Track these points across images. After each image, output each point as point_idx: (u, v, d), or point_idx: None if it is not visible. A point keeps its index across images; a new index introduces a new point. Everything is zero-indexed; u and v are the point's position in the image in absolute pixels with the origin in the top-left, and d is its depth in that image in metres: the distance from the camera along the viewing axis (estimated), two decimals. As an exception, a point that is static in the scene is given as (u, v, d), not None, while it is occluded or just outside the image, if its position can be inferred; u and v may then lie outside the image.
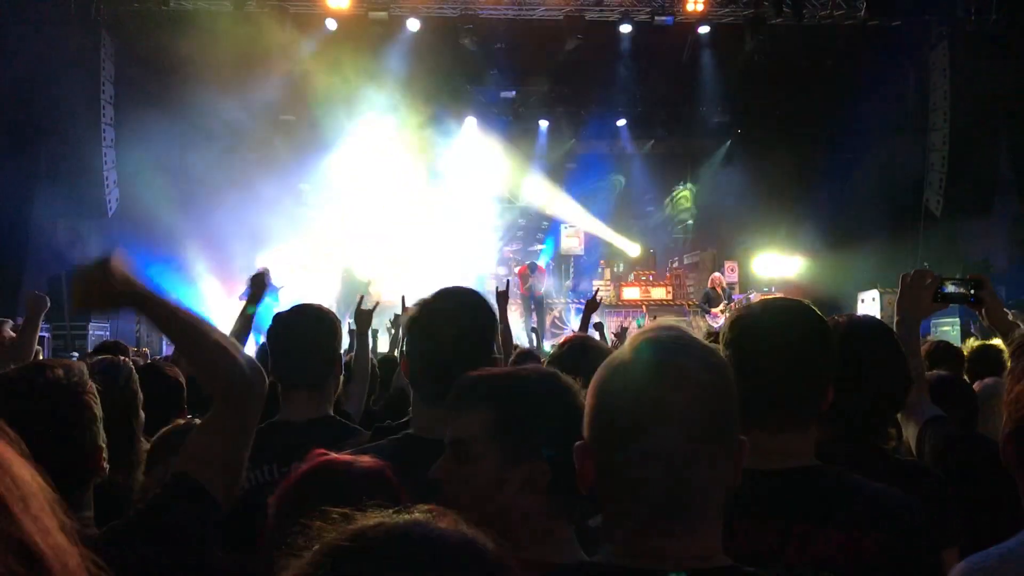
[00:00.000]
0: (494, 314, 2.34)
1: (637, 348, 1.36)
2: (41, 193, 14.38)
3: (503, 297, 5.51)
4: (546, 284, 15.79)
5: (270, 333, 2.95)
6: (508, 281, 7.19)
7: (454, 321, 2.18)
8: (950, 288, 3.17)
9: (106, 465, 2.09)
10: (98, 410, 2.10)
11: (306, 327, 2.88)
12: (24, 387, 2.00)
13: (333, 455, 1.82)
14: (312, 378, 2.85)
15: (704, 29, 16.30)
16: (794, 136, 16.02)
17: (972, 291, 3.25)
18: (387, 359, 5.23)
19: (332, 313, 2.98)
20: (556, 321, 15.28)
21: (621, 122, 18.06)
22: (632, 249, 18.58)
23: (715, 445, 1.31)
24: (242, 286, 13.85)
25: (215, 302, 15.08)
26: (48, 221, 14.66)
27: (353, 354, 4.45)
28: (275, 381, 2.82)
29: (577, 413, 1.56)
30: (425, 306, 2.22)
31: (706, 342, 1.39)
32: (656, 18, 15.93)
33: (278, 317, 2.97)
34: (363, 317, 4.64)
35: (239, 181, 15.60)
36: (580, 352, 3.06)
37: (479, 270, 17.19)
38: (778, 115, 16.06)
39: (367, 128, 17.00)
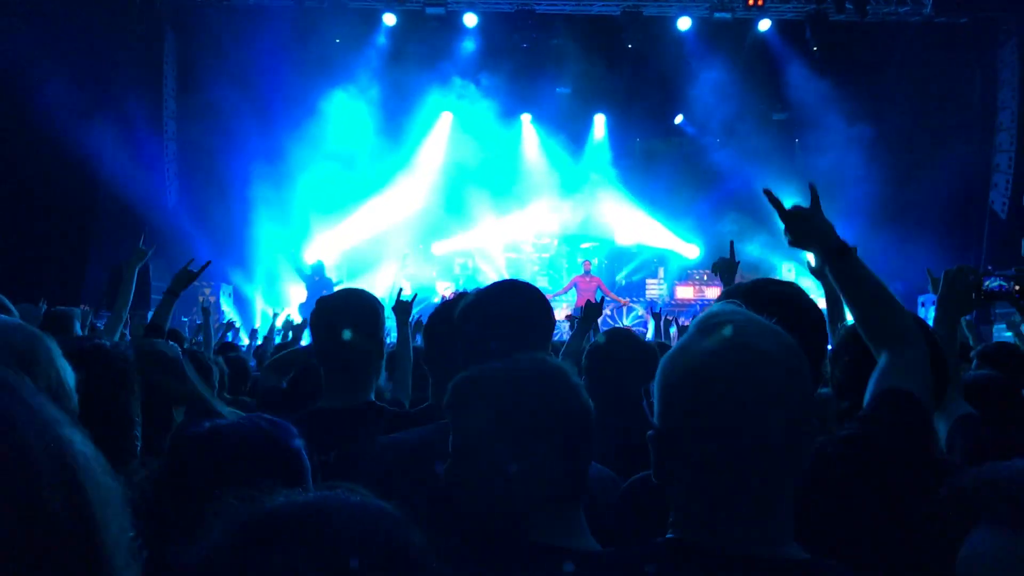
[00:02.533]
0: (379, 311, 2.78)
1: (711, 332, 1.35)
2: (103, 182, 15.00)
3: (595, 311, 5.67)
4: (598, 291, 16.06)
5: (312, 318, 3.02)
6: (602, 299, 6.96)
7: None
8: (994, 284, 3.16)
9: (137, 443, 2.14)
10: (136, 386, 2.19)
11: (346, 311, 2.93)
12: (66, 349, 2.06)
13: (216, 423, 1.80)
14: (352, 362, 2.89)
15: (764, 25, 16.68)
16: (856, 135, 16.08)
17: (1018, 288, 3.25)
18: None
19: (373, 298, 3.02)
20: (607, 319, 15.32)
21: (679, 118, 18.21)
22: (689, 251, 18.46)
23: (802, 427, 1.32)
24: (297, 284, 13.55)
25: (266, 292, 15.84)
26: (110, 210, 15.18)
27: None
28: (317, 365, 2.98)
29: (575, 397, 1.66)
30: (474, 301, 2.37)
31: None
32: (715, 13, 16.30)
33: (320, 301, 3.04)
34: (402, 307, 4.68)
35: (298, 174, 16.22)
36: (622, 342, 3.30)
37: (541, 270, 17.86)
38: (840, 114, 16.00)
39: (425, 123, 17.74)
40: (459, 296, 2.65)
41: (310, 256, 16.77)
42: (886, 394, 1.91)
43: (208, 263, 4.76)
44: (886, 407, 1.89)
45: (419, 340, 3.25)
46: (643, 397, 3.21)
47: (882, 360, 2.00)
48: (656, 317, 8.43)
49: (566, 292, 16.84)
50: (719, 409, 1.29)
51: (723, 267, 4.68)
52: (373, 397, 2.95)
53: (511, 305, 2.27)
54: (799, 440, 1.31)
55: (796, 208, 2.26)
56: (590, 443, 1.69)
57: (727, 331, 1.33)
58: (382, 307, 3.04)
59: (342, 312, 2.93)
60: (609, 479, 2.25)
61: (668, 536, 1.38)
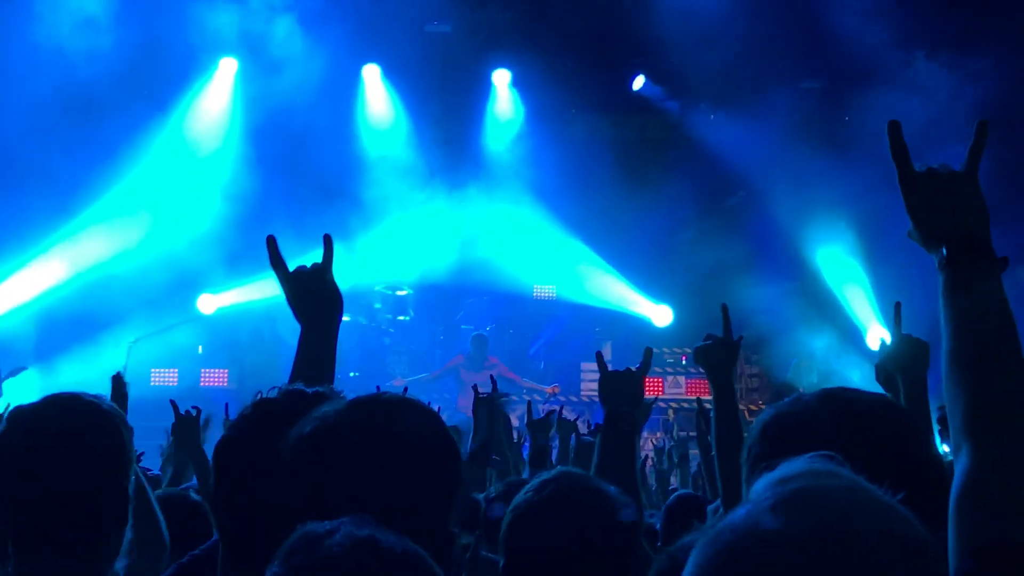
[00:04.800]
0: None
1: (787, 510, 1.05)
2: None
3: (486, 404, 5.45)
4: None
5: None
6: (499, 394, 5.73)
7: None
8: None
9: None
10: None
11: (59, 439, 2.21)
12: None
13: None
14: (65, 534, 2.18)
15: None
16: (955, 97, 12.17)
17: None
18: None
19: (109, 410, 2.26)
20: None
21: (638, 82, 14.13)
22: (656, 314, 14.38)
23: None
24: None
25: None
26: None
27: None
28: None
29: None
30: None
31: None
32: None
33: (13, 419, 2.27)
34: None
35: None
36: (561, 497, 2.50)
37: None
38: (927, 68, 12.21)
39: (190, 77, 13.58)
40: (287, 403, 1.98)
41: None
42: (993, 559, 1.58)
43: None
44: None
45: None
46: None
47: (965, 462, 1.65)
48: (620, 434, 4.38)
49: (437, 379, 13.54)
50: None
51: (712, 355, 3.69)
52: None
53: (390, 440, 1.78)
54: None
55: (932, 172, 1.84)
56: None
57: (813, 511, 1.04)
58: (127, 427, 2.30)
59: (51, 440, 2.22)
60: None
61: None
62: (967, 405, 1.67)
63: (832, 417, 1.67)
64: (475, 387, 5.64)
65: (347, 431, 1.75)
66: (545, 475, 2.60)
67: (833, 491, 1.04)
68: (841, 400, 1.73)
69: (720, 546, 1.04)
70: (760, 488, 1.07)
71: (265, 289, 12.96)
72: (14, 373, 11.65)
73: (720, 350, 3.68)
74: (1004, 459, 1.61)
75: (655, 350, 11.68)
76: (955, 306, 1.74)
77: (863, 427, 1.65)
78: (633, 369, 3.77)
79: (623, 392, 3.75)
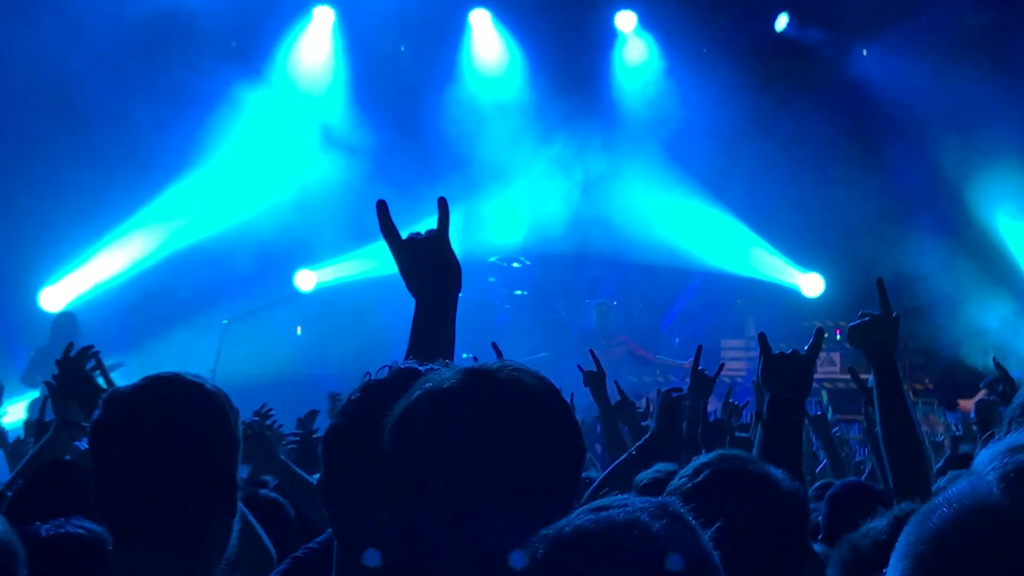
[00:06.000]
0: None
1: (1015, 482, 1.00)
2: None
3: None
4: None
5: (93, 437, 2.28)
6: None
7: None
8: None
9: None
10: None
11: (161, 423, 2.18)
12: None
13: None
14: (171, 526, 2.15)
15: None
16: None
17: None
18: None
19: (217, 394, 2.23)
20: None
21: (781, 21, 13.54)
22: (808, 283, 13.88)
23: None
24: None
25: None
26: None
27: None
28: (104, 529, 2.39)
29: None
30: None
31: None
32: None
33: (111, 404, 2.22)
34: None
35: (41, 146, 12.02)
36: (718, 482, 2.45)
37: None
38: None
39: (283, 28, 13.20)
40: (390, 382, 1.97)
41: (51, 301, 12.19)
42: None
43: None
44: None
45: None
46: None
47: None
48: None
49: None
50: None
51: (870, 335, 3.60)
52: None
53: (509, 413, 1.70)
54: None
55: None
56: None
57: None
58: (233, 409, 2.25)
59: (150, 424, 2.18)
60: None
61: None
62: None
63: None
64: (592, 352, 5.39)
65: (459, 403, 1.69)
66: (702, 458, 2.53)
67: None
68: None
69: (938, 522, 1.02)
70: (986, 458, 1.03)
71: (367, 263, 12.62)
72: (112, 368, 11.16)
73: (878, 330, 3.56)
74: None
75: (805, 324, 11.34)
76: None
77: None
78: (800, 352, 3.49)
79: (790, 377, 3.48)
